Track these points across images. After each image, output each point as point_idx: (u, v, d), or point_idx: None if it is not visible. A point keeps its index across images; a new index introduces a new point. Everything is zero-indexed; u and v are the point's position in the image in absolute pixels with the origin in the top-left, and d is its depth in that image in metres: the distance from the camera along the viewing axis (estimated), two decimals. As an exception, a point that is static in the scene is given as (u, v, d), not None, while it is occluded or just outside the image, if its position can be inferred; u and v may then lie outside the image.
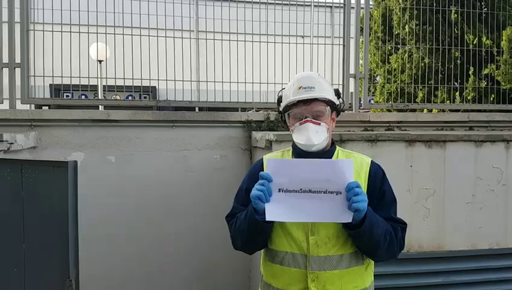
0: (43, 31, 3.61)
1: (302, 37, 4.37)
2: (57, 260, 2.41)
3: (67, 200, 2.34)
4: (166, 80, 3.94)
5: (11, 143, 2.94)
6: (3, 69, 3.57)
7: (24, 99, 3.61)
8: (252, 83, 4.05)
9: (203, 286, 3.86)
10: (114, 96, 4.15)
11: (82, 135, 3.62)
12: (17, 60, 3.58)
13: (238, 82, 4.07)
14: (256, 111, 4.43)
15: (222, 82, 4.09)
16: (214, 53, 4.10)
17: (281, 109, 1.92)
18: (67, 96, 4.58)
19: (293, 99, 1.81)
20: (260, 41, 4.08)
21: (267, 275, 1.89)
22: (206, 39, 4.17)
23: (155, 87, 4.27)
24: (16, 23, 3.57)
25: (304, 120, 1.78)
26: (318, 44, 4.24)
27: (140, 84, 3.92)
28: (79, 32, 3.74)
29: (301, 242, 1.77)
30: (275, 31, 4.24)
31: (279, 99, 1.95)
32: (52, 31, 3.63)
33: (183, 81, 4.03)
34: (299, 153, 1.83)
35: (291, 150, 1.92)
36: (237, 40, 4.12)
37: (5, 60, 3.57)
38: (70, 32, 3.63)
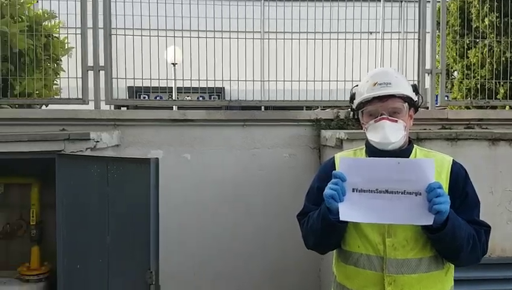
0: (124, 35, 3.85)
1: (370, 33, 4.27)
2: (138, 252, 2.55)
3: (149, 196, 2.47)
4: (235, 80, 4.03)
5: (97, 141, 3.16)
6: (89, 72, 3.85)
7: (108, 100, 3.87)
8: (322, 81, 4.03)
9: (273, 286, 3.90)
10: (186, 97, 4.34)
11: (160, 133, 3.81)
12: (101, 63, 3.85)
13: (307, 80, 4.08)
14: (322, 110, 4.40)
15: (291, 81, 4.11)
16: (277, 52, 4.14)
17: (354, 106, 1.87)
18: (144, 97, 4.86)
19: (368, 96, 1.75)
20: (327, 39, 4.06)
21: (340, 276, 1.87)
22: (275, 39, 4.21)
23: (223, 88, 4.39)
24: (99, 29, 3.84)
25: (379, 117, 1.73)
26: (391, 39, 4.12)
27: (208, 86, 4.05)
28: (157, 36, 3.95)
29: (377, 244, 1.72)
30: (338, 28, 4.16)
31: (352, 97, 1.90)
32: (133, 35, 3.86)
33: (253, 81, 4.10)
34: (373, 151, 1.78)
35: (364, 148, 1.87)
36: (306, 39, 4.12)
37: (90, 63, 3.84)
38: (150, 36, 3.84)
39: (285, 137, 3.95)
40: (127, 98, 4.60)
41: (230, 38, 4.08)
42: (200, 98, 4.39)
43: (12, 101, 3.90)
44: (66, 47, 4.42)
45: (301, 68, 4.05)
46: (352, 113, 1.92)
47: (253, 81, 4.11)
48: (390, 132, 1.72)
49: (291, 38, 4.15)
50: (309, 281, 3.93)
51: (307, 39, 4.11)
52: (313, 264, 3.86)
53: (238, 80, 4.05)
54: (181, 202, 3.72)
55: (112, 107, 4.39)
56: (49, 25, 4.31)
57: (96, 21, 3.77)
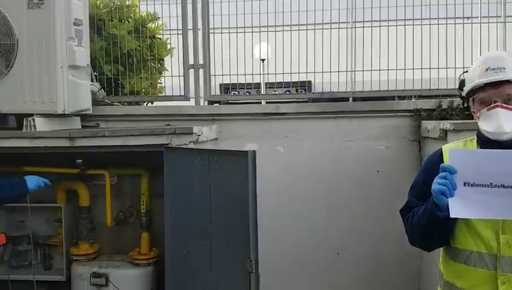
0: (221, 33, 4.02)
1: (467, 18, 3.96)
2: (238, 240, 2.67)
3: (248, 187, 2.58)
4: (323, 72, 3.99)
5: (199, 135, 3.34)
6: (189, 70, 4.08)
7: (206, 96, 4.07)
8: (421, 69, 3.84)
9: (369, 283, 3.82)
10: (273, 92, 4.41)
11: (254, 127, 3.92)
12: (200, 61, 4.06)
13: (405, 69, 3.91)
14: (416, 100, 4.18)
15: (388, 70, 3.96)
16: (364, 42, 4.00)
17: (463, 94, 1.77)
18: (234, 94, 5.03)
19: (480, 82, 1.65)
20: (426, 24, 3.84)
21: (448, 274, 1.78)
22: (363, 27, 4.09)
23: (310, 81, 4.37)
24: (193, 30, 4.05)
25: (492, 105, 1.62)
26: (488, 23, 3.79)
27: (295, 80, 4.07)
28: (251, 32, 4.06)
29: (490, 241, 1.61)
30: (430, 14, 3.93)
31: (461, 83, 1.79)
32: (229, 33, 4.02)
33: (338, 72, 4.03)
34: (485, 142, 1.67)
35: (475, 139, 1.76)
36: (396, 26, 3.95)
37: (191, 62, 4.07)
38: (244, 33, 3.97)
39: (380, 129, 3.83)
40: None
41: (313, 30, 4.04)
42: (287, 93, 4.45)
43: (123, 99, 4.27)
44: (168, 47, 4.73)
45: (393, 57, 3.90)
46: (462, 101, 1.81)
47: (340, 72, 4.03)
48: (504, 121, 1.60)
49: (380, 26, 4.02)
50: (407, 279, 3.79)
51: (403, 25, 3.94)
52: (412, 262, 3.71)
53: (323, 72, 4.02)
54: (274, 194, 3.78)
55: (206, 103, 4.60)
56: (153, 26, 4.64)
57: (196, 22, 3.97)
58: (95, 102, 3.72)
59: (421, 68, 3.91)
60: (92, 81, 3.61)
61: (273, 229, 3.74)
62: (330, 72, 4.02)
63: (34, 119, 3.17)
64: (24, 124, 3.18)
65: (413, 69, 3.92)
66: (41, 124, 3.20)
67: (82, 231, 3.81)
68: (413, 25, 3.99)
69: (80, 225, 3.82)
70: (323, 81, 4.12)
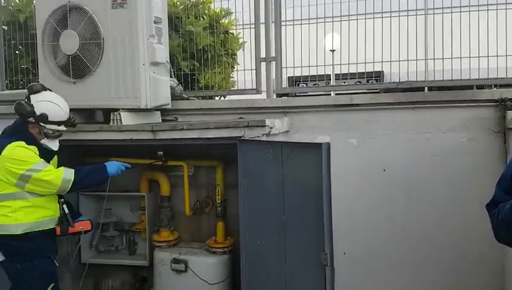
0: (293, 25, 4.02)
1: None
2: (312, 233, 2.67)
3: (322, 179, 2.57)
4: (397, 61, 3.84)
5: (271, 128, 3.38)
6: (261, 63, 4.13)
7: (278, 89, 4.10)
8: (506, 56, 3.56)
9: (449, 279, 3.65)
10: (344, 82, 4.32)
11: (327, 119, 3.87)
12: (272, 54, 4.09)
13: (488, 56, 3.64)
14: (500, 88, 3.87)
15: (469, 58, 3.71)
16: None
17: None
18: (303, 86, 5.00)
19: None
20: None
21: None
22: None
23: (382, 71, 4.23)
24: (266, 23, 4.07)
25: None
26: None
27: (367, 70, 3.96)
28: (323, 23, 4.01)
29: None
30: None
31: None
32: (301, 25, 4.00)
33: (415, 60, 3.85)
34: None
35: None
36: (478, 10, 3.68)
37: (263, 55, 4.12)
38: (317, 23, 3.93)
39: (462, 120, 3.61)
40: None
41: (384, 18, 3.88)
42: (358, 84, 4.34)
43: (198, 94, 4.42)
44: (240, 42, 4.81)
45: (474, 44, 3.64)
46: None
47: (415, 60, 3.84)
48: None
49: (460, 12, 3.76)
50: (490, 277, 3.57)
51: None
52: (496, 259, 3.49)
53: (398, 61, 3.85)
54: (347, 187, 3.72)
55: (274, 95, 4.61)
56: (226, 22, 4.75)
57: (268, 15, 4.00)
58: (173, 97, 3.89)
59: (506, 55, 3.62)
60: (170, 77, 3.78)
61: (347, 222, 3.70)
62: (407, 60, 3.85)
63: (120, 114, 3.40)
64: (111, 118, 3.42)
65: (496, 56, 3.64)
66: (126, 118, 3.42)
67: (163, 219, 4.04)
68: (496, 9, 3.69)
69: (161, 213, 4.05)
70: (395, 71, 3.97)
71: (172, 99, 3.84)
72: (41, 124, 2.93)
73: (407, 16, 3.98)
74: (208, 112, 4.09)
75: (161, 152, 3.75)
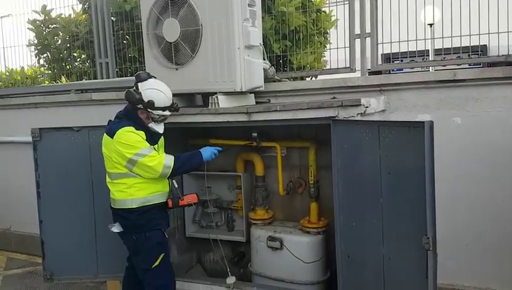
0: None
1: None
2: (413, 216, 2.56)
3: (424, 160, 2.44)
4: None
5: (366, 107, 3.27)
6: (356, 40, 4.01)
7: (373, 66, 3.96)
8: None
9: None
10: (443, 58, 4.01)
11: (427, 96, 3.66)
12: (367, 30, 3.94)
13: None
14: None
15: None
16: None
17: None
18: (399, 63, 4.74)
19: None
20: None
21: None
22: None
23: (486, 45, 3.89)
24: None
25: None
26: None
27: (467, 44, 3.67)
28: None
29: None
30: None
31: None
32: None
33: None
34: None
35: None
36: None
37: (357, 31, 3.99)
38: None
39: None
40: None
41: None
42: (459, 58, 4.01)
43: (290, 75, 4.43)
44: (332, 20, 4.71)
45: None
46: None
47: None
48: None
49: None
50: None
51: None
52: None
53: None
54: (451, 169, 3.50)
55: (367, 74, 4.45)
56: (318, 0, 4.66)
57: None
58: (266, 79, 3.94)
59: None
60: (263, 59, 3.83)
61: (449, 205, 3.50)
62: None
63: (217, 97, 3.54)
64: (209, 101, 3.58)
65: None
66: (223, 101, 3.55)
67: (258, 198, 4.17)
68: None
69: (256, 193, 4.18)
70: (503, 44, 3.59)
71: (265, 82, 3.90)
72: (148, 110, 3.17)
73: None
74: (301, 92, 4.08)
75: (255, 133, 3.85)
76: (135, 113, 3.21)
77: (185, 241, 4.46)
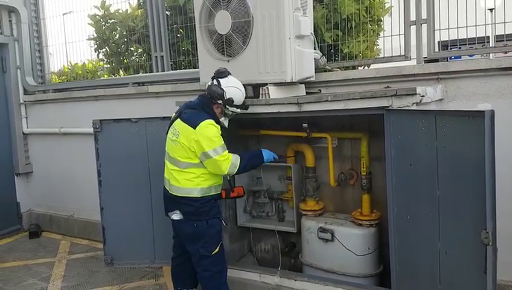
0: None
1: None
2: (472, 209, 2.46)
3: (484, 151, 2.33)
4: None
5: (423, 96, 3.15)
6: (411, 27, 3.86)
7: (430, 54, 3.80)
8: None
9: None
10: (505, 44, 3.75)
11: (488, 84, 3.47)
12: (423, 16, 3.79)
13: None
14: None
15: None
16: None
17: None
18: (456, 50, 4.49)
19: None
20: None
21: None
22: None
23: None
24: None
25: None
26: None
27: None
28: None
29: None
30: None
31: None
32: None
33: None
34: None
35: None
36: None
37: (412, 18, 3.84)
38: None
39: None
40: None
41: None
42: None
43: (342, 64, 4.36)
44: (386, 7, 4.56)
45: None
46: None
47: None
48: None
49: None
50: None
51: None
52: None
53: None
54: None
55: (423, 62, 4.27)
56: (371, -13, 4.54)
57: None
58: (317, 69, 3.90)
59: None
60: (314, 49, 3.79)
61: (509, 201, 3.32)
62: None
63: (268, 88, 3.56)
64: (260, 92, 3.61)
65: None
66: (274, 92, 3.57)
67: (309, 189, 4.16)
68: None
69: (307, 184, 4.17)
70: None
71: (316, 72, 3.86)
72: (226, 106, 3.32)
73: None
74: (352, 82, 4.01)
75: (306, 124, 3.83)
76: (211, 106, 3.33)
77: (237, 230, 4.54)
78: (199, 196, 3.31)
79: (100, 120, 4.18)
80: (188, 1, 4.98)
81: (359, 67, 4.47)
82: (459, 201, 2.61)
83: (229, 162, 3.26)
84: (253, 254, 4.74)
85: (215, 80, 3.33)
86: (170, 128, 3.41)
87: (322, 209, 4.19)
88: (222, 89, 3.27)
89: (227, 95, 3.28)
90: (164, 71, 5.21)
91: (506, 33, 3.63)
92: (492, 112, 2.34)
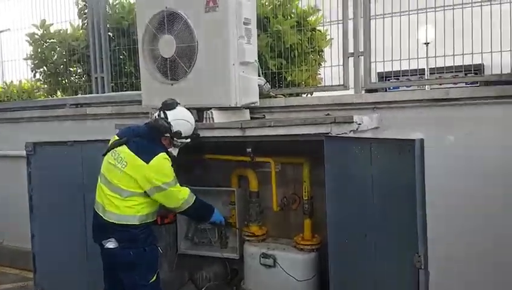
0: (383, 18, 3.89)
1: None
2: (405, 234, 2.55)
3: (415, 178, 2.45)
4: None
5: (359, 124, 3.30)
6: (349, 58, 4.06)
7: (367, 84, 4.00)
8: None
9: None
10: (438, 77, 4.07)
11: (420, 114, 3.69)
12: (360, 49, 4.00)
13: None
14: None
15: None
16: None
17: None
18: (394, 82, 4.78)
19: None
20: None
21: None
22: None
23: (482, 64, 3.94)
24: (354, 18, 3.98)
25: None
26: None
27: (465, 63, 3.73)
28: (416, 14, 3.82)
29: None
30: None
31: None
32: (392, 17, 3.85)
33: None
34: None
35: None
36: None
37: (351, 50, 4.04)
38: (408, 15, 3.76)
39: None
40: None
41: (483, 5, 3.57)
42: (455, 77, 4.06)
43: (285, 91, 4.47)
44: (327, 38, 4.77)
45: None
46: None
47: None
48: None
49: None
50: None
51: None
52: None
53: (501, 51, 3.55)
54: (444, 188, 3.49)
55: (363, 92, 4.48)
56: (313, 19, 4.73)
57: (357, 9, 3.93)
58: (261, 95, 3.97)
59: None
60: (259, 75, 3.87)
61: (441, 224, 3.50)
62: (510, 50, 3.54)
63: (212, 112, 3.56)
64: (204, 116, 3.60)
65: None
66: (218, 116, 3.58)
67: (252, 214, 4.15)
68: None
69: (250, 208, 4.17)
70: (497, 63, 3.66)
71: (260, 98, 3.93)
72: (174, 138, 3.27)
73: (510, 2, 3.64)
74: (295, 109, 4.12)
75: (249, 149, 3.86)
76: (159, 138, 3.26)
77: (177, 258, 4.42)
78: (138, 223, 3.19)
79: (33, 143, 3.97)
80: (131, 24, 4.94)
81: (303, 95, 4.61)
82: (394, 226, 2.71)
83: (186, 192, 3.23)
84: (194, 282, 4.61)
85: (162, 112, 3.27)
86: (111, 153, 3.26)
87: (265, 235, 4.19)
88: (169, 123, 3.22)
89: (175, 128, 3.23)
90: (104, 93, 5.08)
91: (442, 66, 3.91)
92: (422, 141, 2.49)
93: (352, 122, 3.21)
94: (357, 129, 3.26)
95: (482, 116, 3.52)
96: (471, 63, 3.82)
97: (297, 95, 4.61)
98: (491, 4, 3.62)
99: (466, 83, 4.31)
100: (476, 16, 3.65)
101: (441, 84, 4.03)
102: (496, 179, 3.46)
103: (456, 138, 3.58)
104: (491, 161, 3.46)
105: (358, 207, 2.95)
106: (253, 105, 3.85)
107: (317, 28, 4.78)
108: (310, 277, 3.82)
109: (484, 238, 3.52)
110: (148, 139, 3.24)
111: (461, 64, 3.81)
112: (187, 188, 3.28)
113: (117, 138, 3.31)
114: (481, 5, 3.67)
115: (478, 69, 4.26)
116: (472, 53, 3.72)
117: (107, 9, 5.37)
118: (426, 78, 4.28)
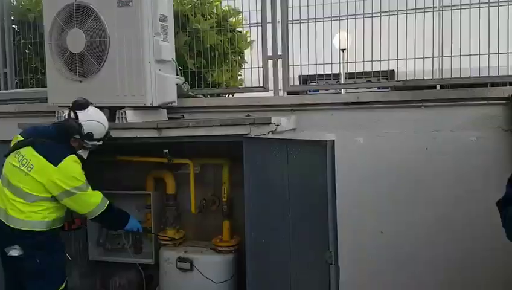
0: (300, 23, 4.00)
1: None
2: (318, 231, 2.63)
3: (326, 176, 2.54)
4: (407, 58, 3.80)
5: (277, 125, 3.36)
6: (269, 61, 4.12)
7: (285, 87, 4.08)
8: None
9: (460, 280, 3.59)
10: (354, 81, 4.30)
11: (334, 117, 3.84)
12: (279, 52, 4.07)
13: (498, 53, 3.59)
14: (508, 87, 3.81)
15: (479, 55, 3.65)
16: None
17: None
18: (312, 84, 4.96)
19: None
20: None
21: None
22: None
23: (393, 70, 4.17)
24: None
25: None
26: None
27: (377, 70, 3.94)
28: (330, 21, 3.98)
29: None
30: None
31: None
32: (308, 22, 3.97)
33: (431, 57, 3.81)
34: None
35: None
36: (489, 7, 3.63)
37: (270, 53, 4.10)
38: (323, 22, 3.91)
39: (471, 118, 3.56)
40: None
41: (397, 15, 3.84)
42: (368, 82, 4.31)
43: (205, 92, 4.42)
44: (248, 40, 4.80)
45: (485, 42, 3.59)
46: None
47: (426, 58, 3.81)
48: None
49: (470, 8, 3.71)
50: (503, 278, 3.50)
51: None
52: (507, 259, 3.42)
53: (412, 58, 3.81)
54: (355, 186, 3.68)
55: (285, 94, 4.59)
56: (234, 21, 4.74)
57: (275, 14, 3.99)
58: (180, 95, 3.88)
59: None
60: (177, 74, 3.78)
61: (352, 222, 3.66)
62: (414, 58, 3.82)
63: (125, 112, 3.41)
64: (116, 116, 3.43)
65: (507, 53, 3.59)
66: (131, 116, 3.43)
67: (169, 218, 4.04)
68: (507, 5, 3.64)
69: (167, 212, 4.05)
70: (408, 70, 3.93)
71: (179, 97, 3.84)
72: (85, 141, 3.08)
73: (424, 12, 3.92)
74: (215, 109, 4.08)
75: (166, 150, 3.75)
76: (68, 139, 3.06)
77: (88, 265, 4.16)
78: (44, 229, 2.98)
79: None
80: (38, 17, 4.59)
81: (225, 95, 4.59)
82: (308, 224, 2.79)
83: (99, 197, 3.07)
84: (107, 290, 4.38)
85: (72, 112, 3.08)
86: (14, 154, 3.02)
87: (182, 238, 4.09)
88: (79, 124, 3.04)
89: (86, 130, 3.06)
90: (7, 90, 4.66)
91: (359, 71, 4.09)
92: (332, 142, 2.58)
93: (271, 123, 3.26)
94: (275, 130, 3.31)
95: (389, 119, 3.74)
96: (387, 69, 4.05)
97: (219, 95, 4.58)
98: (398, 15, 3.87)
99: (378, 88, 4.58)
100: (392, 24, 3.87)
101: (356, 88, 4.22)
102: (403, 178, 3.67)
103: (365, 139, 3.77)
104: (395, 160, 3.69)
105: (276, 207, 3.00)
106: (171, 105, 3.75)
107: (238, 29, 4.79)
108: (228, 278, 3.80)
109: (391, 234, 3.72)
110: (56, 141, 3.04)
111: (377, 70, 4.02)
112: (99, 192, 3.11)
113: (21, 138, 3.08)
114: (395, 15, 3.90)
115: (390, 75, 4.54)
116: (380, 60, 3.95)
117: (12, 0, 4.95)
118: (342, 82, 4.47)
